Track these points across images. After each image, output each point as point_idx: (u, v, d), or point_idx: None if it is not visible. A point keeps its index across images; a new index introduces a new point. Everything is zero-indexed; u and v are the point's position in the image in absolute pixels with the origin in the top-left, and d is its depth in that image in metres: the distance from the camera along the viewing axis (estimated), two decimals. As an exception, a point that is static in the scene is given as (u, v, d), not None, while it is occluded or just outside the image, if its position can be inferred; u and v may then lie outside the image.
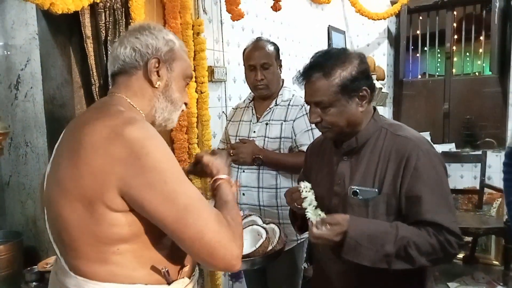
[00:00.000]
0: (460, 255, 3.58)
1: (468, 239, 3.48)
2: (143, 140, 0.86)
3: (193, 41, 2.23)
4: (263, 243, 1.19)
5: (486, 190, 3.43)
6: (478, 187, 3.48)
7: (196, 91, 2.27)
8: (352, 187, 1.23)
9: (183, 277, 0.99)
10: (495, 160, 3.75)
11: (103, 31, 1.85)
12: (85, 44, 1.81)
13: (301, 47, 3.56)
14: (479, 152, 3.57)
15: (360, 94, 1.22)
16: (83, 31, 1.80)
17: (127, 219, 0.88)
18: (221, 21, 2.58)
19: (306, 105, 1.90)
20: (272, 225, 1.31)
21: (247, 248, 1.19)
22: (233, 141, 2.01)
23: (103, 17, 1.85)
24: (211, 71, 2.46)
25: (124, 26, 1.88)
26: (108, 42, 1.86)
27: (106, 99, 1.05)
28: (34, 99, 1.76)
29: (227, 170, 1.14)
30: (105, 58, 1.86)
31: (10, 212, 1.88)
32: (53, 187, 0.93)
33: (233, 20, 2.39)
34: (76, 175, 0.87)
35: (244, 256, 1.17)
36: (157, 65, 1.02)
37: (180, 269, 0.98)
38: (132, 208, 0.87)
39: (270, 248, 1.23)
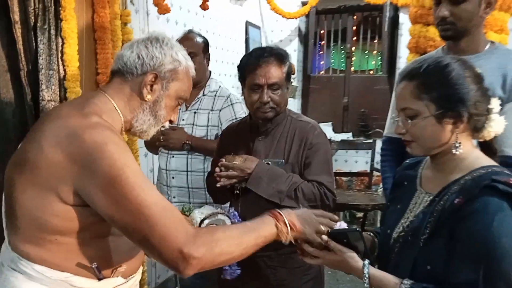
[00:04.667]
0: (353, 228, 4.15)
1: (360, 214, 4.00)
2: (101, 145, 0.90)
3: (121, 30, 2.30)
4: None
5: (375, 173, 3.92)
6: (369, 170, 4.04)
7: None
8: (265, 160, 1.57)
9: (117, 276, 1.02)
10: (382, 148, 4.38)
11: (32, 17, 1.85)
12: (13, 29, 1.80)
13: (221, 40, 3.77)
14: (370, 141, 4.11)
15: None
16: (11, 16, 1.78)
17: (72, 213, 0.93)
18: (147, 12, 2.66)
19: (231, 96, 2.14)
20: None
21: None
22: (163, 129, 2.15)
23: (32, 3, 1.84)
24: (137, 60, 2.54)
25: (53, 13, 1.90)
26: (38, 28, 1.86)
27: (91, 95, 1.09)
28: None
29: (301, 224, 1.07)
30: (34, 44, 1.86)
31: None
32: (14, 166, 0.99)
33: (160, 14, 2.49)
34: (35, 163, 0.93)
35: None
36: (153, 80, 1.05)
37: (115, 269, 1.01)
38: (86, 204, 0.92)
39: None
